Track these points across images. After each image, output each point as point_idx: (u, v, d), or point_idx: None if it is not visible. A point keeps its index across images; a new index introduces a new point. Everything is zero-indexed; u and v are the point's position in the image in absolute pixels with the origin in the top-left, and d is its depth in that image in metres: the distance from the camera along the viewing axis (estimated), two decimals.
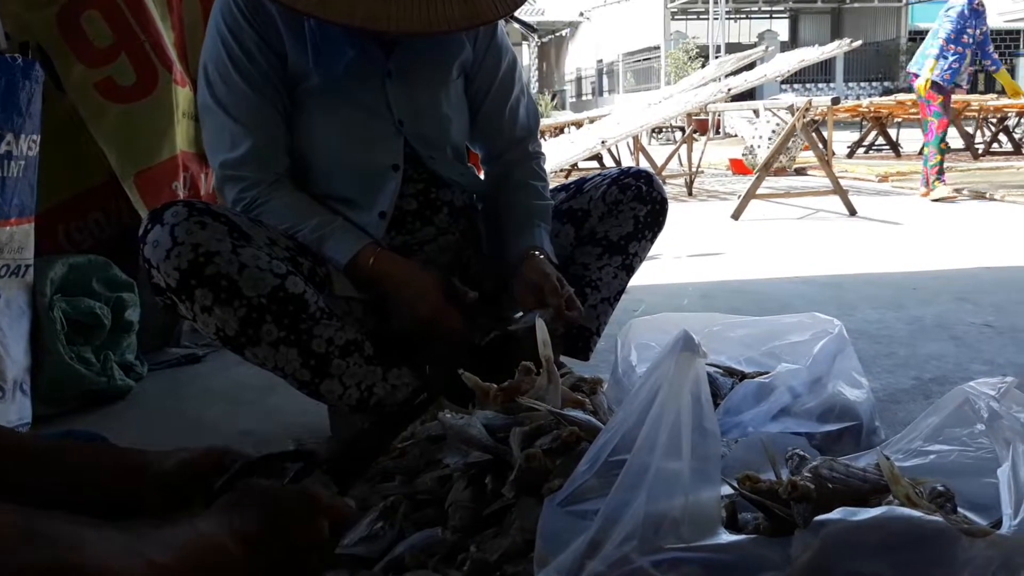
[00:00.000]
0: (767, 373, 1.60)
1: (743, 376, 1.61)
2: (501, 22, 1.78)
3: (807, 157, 8.33)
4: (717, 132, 15.57)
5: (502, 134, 1.80)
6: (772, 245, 4.53)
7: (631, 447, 0.71)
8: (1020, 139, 11.62)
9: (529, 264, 1.61)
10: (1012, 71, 29.32)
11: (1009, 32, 30.74)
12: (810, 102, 5.50)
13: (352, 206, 1.60)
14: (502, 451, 1.13)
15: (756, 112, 8.33)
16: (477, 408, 1.26)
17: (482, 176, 1.87)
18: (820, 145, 6.75)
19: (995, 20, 32.68)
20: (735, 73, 8.07)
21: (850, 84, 29.24)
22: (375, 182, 1.61)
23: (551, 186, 1.87)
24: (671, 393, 0.71)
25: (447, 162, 1.69)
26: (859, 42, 7.24)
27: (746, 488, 0.80)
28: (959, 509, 0.89)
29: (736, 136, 10.92)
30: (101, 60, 2.22)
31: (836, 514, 0.68)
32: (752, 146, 8.46)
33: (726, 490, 0.83)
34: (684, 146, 7.74)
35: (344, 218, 1.58)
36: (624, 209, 1.77)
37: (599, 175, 1.84)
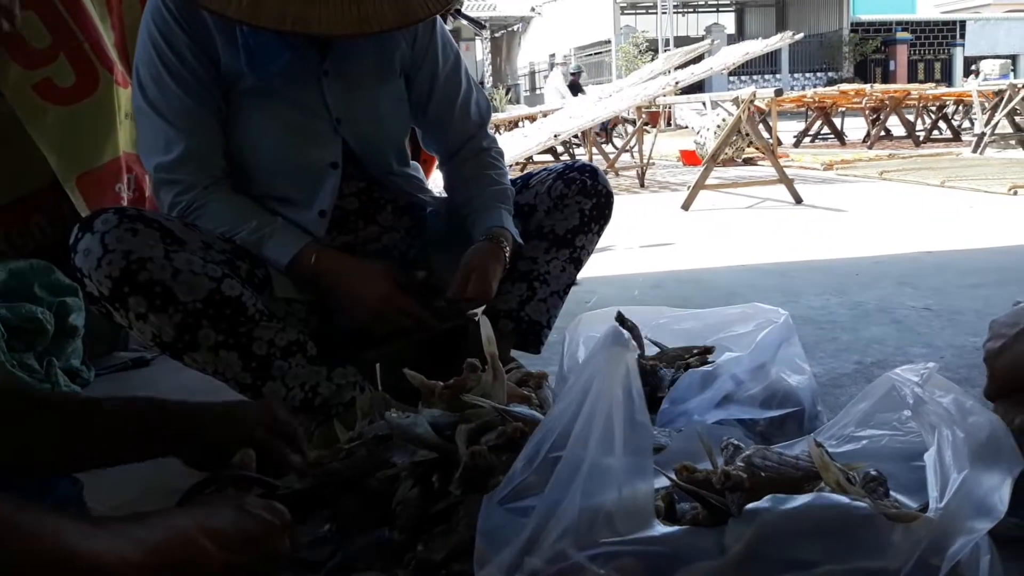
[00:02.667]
0: (710, 351, 1.64)
1: (687, 364, 1.63)
2: (444, 20, 1.79)
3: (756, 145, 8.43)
4: (668, 124, 15.70)
5: (454, 132, 1.80)
6: (720, 234, 4.59)
7: (567, 443, 0.72)
8: (959, 126, 11.89)
9: (473, 247, 1.64)
10: (949, 62, 29.96)
11: (946, 23, 31.44)
12: (754, 94, 5.57)
13: (292, 205, 1.60)
14: (448, 449, 1.14)
15: (704, 104, 8.42)
16: (423, 406, 1.26)
17: (439, 174, 1.88)
18: (765, 135, 6.84)
19: (931, 11, 33.32)
20: (683, 66, 8.14)
21: (795, 75, 29.65)
22: (314, 180, 1.60)
23: None
24: (602, 389, 0.72)
25: (385, 165, 1.69)
26: (801, 34, 7.36)
27: (683, 479, 0.82)
28: (891, 493, 0.92)
29: (687, 128, 11.02)
30: (39, 61, 2.18)
31: (766, 502, 0.70)
32: (702, 137, 8.55)
33: (664, 481, 0.85)
34: (635, 138, 7.80)
35: (284, 218, 1.57)
36: (570, 203, 1.78)
37: (545, 170, 1.86)
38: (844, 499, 0.74)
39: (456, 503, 1.09)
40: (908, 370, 0.88)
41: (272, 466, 1.16)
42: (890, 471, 0.91)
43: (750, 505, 0.70)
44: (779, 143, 8.65)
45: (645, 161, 7.56)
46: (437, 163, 1.89)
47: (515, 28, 38.06)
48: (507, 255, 1.67)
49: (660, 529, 0.73)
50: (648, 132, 8.27)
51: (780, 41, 7.11)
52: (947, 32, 31.15)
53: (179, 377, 2.21)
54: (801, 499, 0.70)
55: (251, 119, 1.57)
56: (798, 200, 5.71)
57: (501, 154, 1.86)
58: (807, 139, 12.29)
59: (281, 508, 0.97)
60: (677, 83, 6.81)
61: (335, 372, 1.51)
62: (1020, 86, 9.05)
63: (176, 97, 1.52)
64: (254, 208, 1.57)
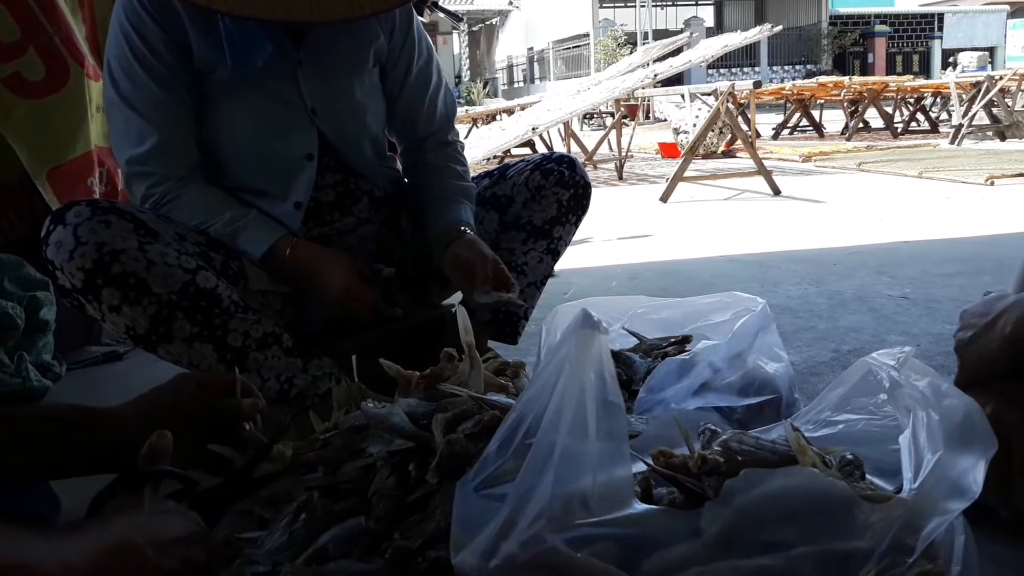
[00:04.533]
0: (687, 340, 1.64)
1: (664, 353, 1.63)
2: (420, 13, 1.78)
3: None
4: (647, 117, 15.72)
5: (419, 125, 1.80)
6: (699, 226, 4.60)
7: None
8: (936, 118, 11.98)
9: (460, 242, 1.61)
10: (927, 54, 30.20)
11: (924, 16, 31.67)
12: (733, 86, 5.59)
13: (267, 198, 1.58)
14: (425, 438, 1.13)
15: (683, 96, 8.44)
16: (400, 396, 1.25)
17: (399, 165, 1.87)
18: (744, 127, 6.86)
19: (909, 4, 33.52)
20: (661, 59, 8.15)
21: (774, 68, 29.80)
22: (289, 171, 1.59)
23: (476, 173, 1.88)
24: (574, 371, 0.72)
25: (362, 156, 1.68)
26: (780, 27, 7.38)
27: (659, 464, 0.82)
28: (868, 476, 0.92)
29: (665, 121, 11.03)
30: (8, 55, 2.15)
31: (742, 479, 0.70)
32: (680, 127, 8.57)
33: (641, 466, 0.85)
34: (614, 131, 7.80)
35: (259, 210, 1.55)
36: (547, 194, 1.78)
37: (522, 161, 1.85)
38: (819, 473, 0.74)
39: (433, 492, 1.08)
40: (884, 354, 0.88)
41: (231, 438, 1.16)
42: (866, 455, 0.91)
43: (727, 482, 0.70)
44: (758, 135, 8.68)
45: (624, 154, 7.57)
46: (400, 152, 1.86)
47: (493, 22, 38.00)
48: None
49: (637, 507, 0.73)
50: (627, 125, 8.26)
51: (759, 34, 7.13)
52: (925, 25, 31.38)
53: (152, 370, 2.16)
54: (777, 475, 0.70)
55: (225, 110, 1.55)
56: (776, 192, 5.73)
57: (463, 148, 1.87)
58: (786, 131, 12.35)
59: (195, 515, 0.98)
60: (656, 76, 6.81)
61: (311, 363, 1.50)
62: (997, 78, 9.14)
63: (148, 89, 1.50)
64: (228, 200, 1.55)
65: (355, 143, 1.66)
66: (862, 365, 0.93)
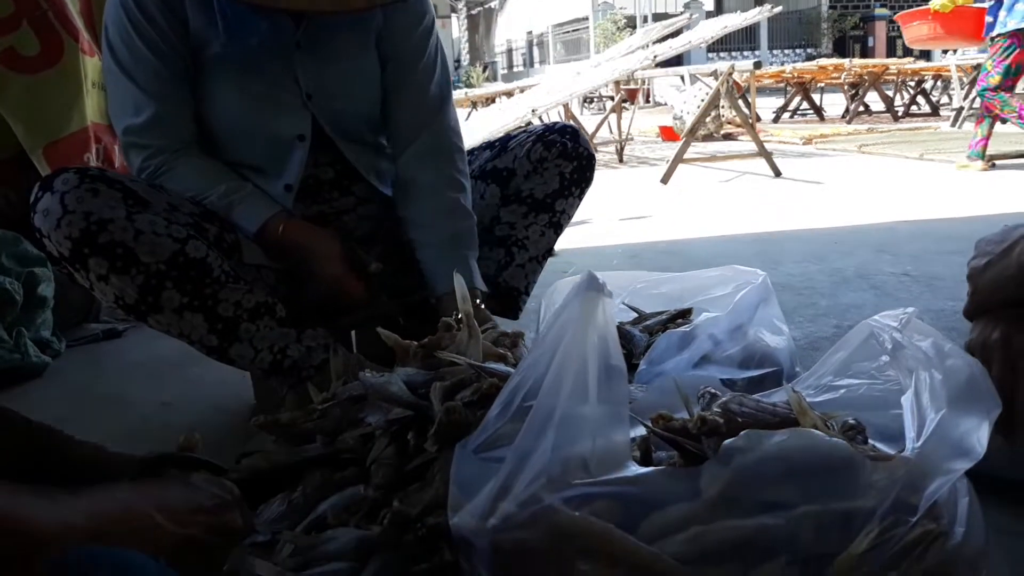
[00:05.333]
0: (687, 313, 1.63)
1: (664, 327, 1.62)
2: None
3: (735, 121, 8.42)
4: (647, 101, 15.66)
5: (412, 108, 1.66)
6: (699, 207, 4.58)
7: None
8: (937, 102, 11.92)
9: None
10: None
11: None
12: (733, 66, 5.56)
13: (260, 174, 1.57)
14: (423, 407, 1.12)
15: (682, 78, 8.39)
16: (398, 366, 1.24)
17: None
18: (744, 109, 6.83)
19: None
20: (661, 40, 8.10)
21: (774, 52, 29.64)
22: (280, 152, 1.56)
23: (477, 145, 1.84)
24: (576, 334, 0.71)
25: (357, 141, 1.64)
26: (779, 8, 7.34)
27: (659, 427, 0.81)
28: (870, 440, 0.91)
29: (666, 105, 10.99)
30: (1, 30, 2.13)
31: (742, 439, 0.69)
32: (681, 113, 8.53)
33: (640, 430, 0.84)
34: (614, 114, 7.77)
35: (254, 185, 1.54)
36: (549, 167, 1.74)
37: (524, 132, 1.81)
38: (821, 435, 0.73)
39: (431, 460, 1.08)
40: (887, 316, 0.87)
41: None
42: (868, 419, 0.90)
43: (726, 443, 0.69)
44: (758, 119, 8.64)
45: (624, 136, 7.54)
46: (393, 156, 1.72)
47: (492, 5, 37.80)
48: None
49: (635, 470, 0.72)
50: (627, 109, 8.22)
51: (759, 14, 7.08)
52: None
53: (150, 347, 2.18)
54: (777, 436, 0.69)
55: (216, 86, 1.53)
56: (777, 173, 5.71)
57: (463, 150, 1.71)
58: (786, 115, 12.29)
59: (230, 484, 0.94)
60: (655, 57, 6.77)
61: (305, 334, 1.49)
62: None
63: (146, 59, 1.48)
64: (224, 172, 1.53)
65: (350, 125, 1.62)
66: (864, 327, 0.92)
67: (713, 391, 0.87)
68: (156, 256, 1.35)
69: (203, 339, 1.42)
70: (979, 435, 0.70)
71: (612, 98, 8.92)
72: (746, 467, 0.69)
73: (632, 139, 8.40)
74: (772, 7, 6.97)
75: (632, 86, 10.65)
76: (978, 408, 0.71)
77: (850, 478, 0.68)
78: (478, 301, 1.53)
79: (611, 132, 8.18)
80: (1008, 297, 1.08)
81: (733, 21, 7.04)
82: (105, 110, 2.33)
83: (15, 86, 2.15)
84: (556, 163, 1.74)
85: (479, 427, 0.77)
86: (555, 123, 1.82)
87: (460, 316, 1.23)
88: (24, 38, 2.16)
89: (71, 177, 1.33)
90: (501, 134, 7.23)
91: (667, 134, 9.30)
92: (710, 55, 24.85)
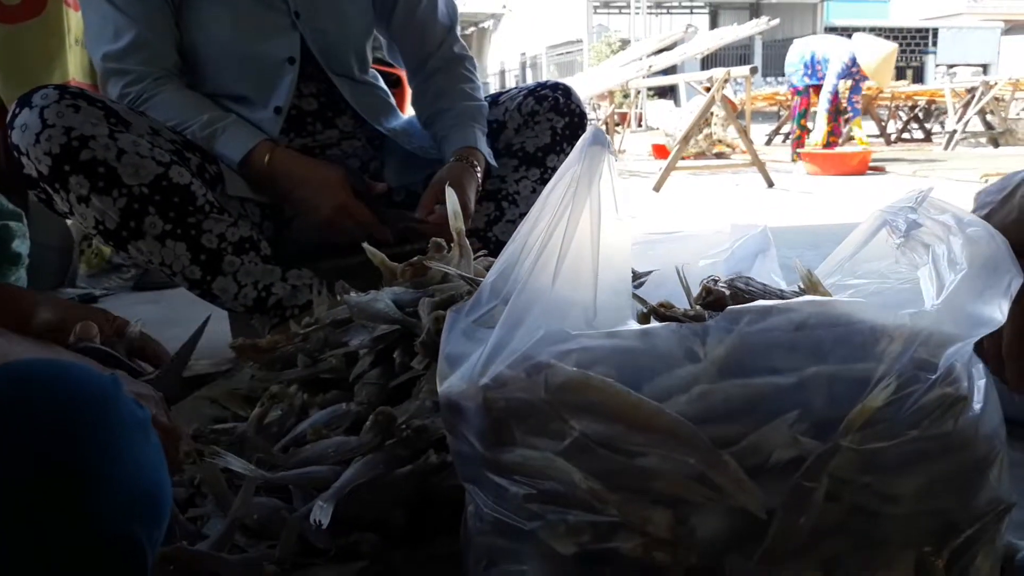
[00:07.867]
0: None
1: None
2: None
3: (727, 141, 8.42)
4: (639, 125, 15.67)
5: (422, 36, 1.70)
6: (691, 208, 4.57)
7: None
8: (930, 130, 11.92)
9: (448, 167, 1.55)
10: (921, 68, 30.43)
11: (919, 30, 31.88)
12: (728, 72, 5.56)
13: (246, 103, 1.52)
14: (410, 323, 1.06)
15: (675, 96, 8.42)
16: (384, 287, 1.19)
17: (410, 93, 1.79)
18: (739, 121, 6.83)
19: (904, 19, 33.62)
20: (657, 53, 8.13)
21: (768, 79, 29.87)
22: (269, 75, 1.52)
23: None
24: (582, 189, 0.66)
25: (344, 66, 1.60)
26: (776, 20, 7.37)
27: (660, 315, 0.76)
28: None
29: (657, 129, 10.99)
30: None
31: (750, 305, 0.64)
32: (674, 131, 8.53)
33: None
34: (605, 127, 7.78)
35: (238, 116, 1.49)
36: (541, 120, 1.71)
37: (515, 88, 1.79)
38: (834, 299, 0.69)
39: (418, 377, 1.03)
40: (900, 201, 0.83)
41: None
42: None
43: (732, 307, 0.64)
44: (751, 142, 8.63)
45: (617, 150, 7.54)
46: (407, 78, 1.79)
47: (485, 25, 37.99)
48: (479, 176, 1.59)
49: (637, 326, 0.67)
50: (618, 133, 8.22)
51: (755, 27, 7.12)
52: (920, 39, 31.51)
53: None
54: (788, 303, 0.64)
55: (204, 9, 1.48)
56: (770, 184, 5.70)
57: (474, 65, 1.77)
58: (779, 138, 12.32)
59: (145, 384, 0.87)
60: (651, 67, 6.79)
61: (290, 272, 1.43)
62: (992, 83, 9.15)
63: None
64: (206, 103, 1.48)
65: (338, 52, 1.59)
66: (876, 216, 0.87)
67: (716, 277, 0.83)
68: (139, 178, 1.29)
69: (185, 270, 1.37)
70: (1001, 303, 0.66)
71: (607, 124, 8.94)
72: (753, 330, 0.64)
73: (624, 152, 8.41)
74: (769, 19, 7.00)
75: (624, 110, 10.65)
76: (1000, 276, 0.67)
77: (865, 337, 0.64)
78: (478, 168, 1.56)
79: None
80: (1012, 244, 1.04)
81: (728, 34, 7.07)
82: (88, 68, 2.28)
83: None
84: (548, 117, 1.71)
85: (473, 297, 0.72)
86: (546, 80, 1.80)
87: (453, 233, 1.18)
88: None
89: (51, 92, 1.28)
90: None
91: (659, 152, 9.30)
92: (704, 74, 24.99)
